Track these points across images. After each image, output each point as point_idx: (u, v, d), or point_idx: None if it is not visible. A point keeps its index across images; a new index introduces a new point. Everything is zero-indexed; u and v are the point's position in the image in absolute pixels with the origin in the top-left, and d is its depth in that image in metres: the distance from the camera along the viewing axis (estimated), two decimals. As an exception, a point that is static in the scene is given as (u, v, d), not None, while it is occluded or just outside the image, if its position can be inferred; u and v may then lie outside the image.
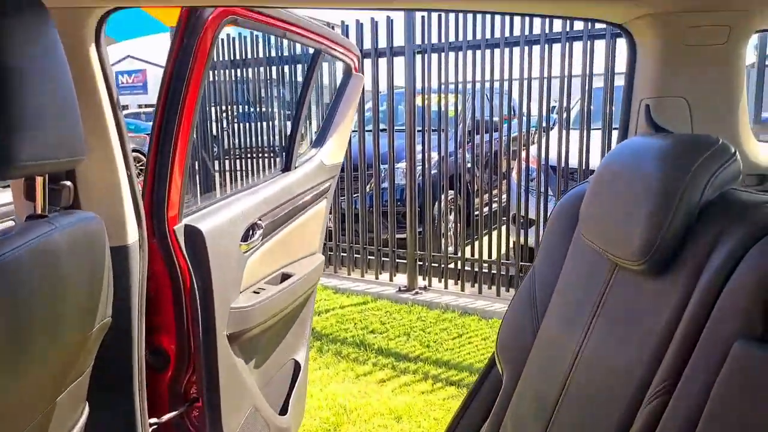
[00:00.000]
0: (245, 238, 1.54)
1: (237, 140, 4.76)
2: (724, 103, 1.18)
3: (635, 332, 0.85)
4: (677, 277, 0.81)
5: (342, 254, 4.61)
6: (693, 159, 0.82)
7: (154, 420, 1.30)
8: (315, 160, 2.02)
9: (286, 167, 1.91)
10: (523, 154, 3.95)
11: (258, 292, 1.58)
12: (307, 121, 4.19)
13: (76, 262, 0.85)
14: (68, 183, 1.06)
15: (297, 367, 1.94)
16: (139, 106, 17.51)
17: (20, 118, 0.70)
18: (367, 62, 4.22)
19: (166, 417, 1.34)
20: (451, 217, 4.48)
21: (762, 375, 0.65)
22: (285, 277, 1.74)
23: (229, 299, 1.45)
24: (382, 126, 4.33)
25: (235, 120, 4.77)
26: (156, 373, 1.36)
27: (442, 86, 4.07)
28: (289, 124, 4.49)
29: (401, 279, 4.33)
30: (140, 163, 6.26)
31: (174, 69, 1.26)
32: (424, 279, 4.23)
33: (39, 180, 0.91)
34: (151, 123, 1.35)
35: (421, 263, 4.25)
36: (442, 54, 3.99)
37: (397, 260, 4.35)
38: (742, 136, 1.20)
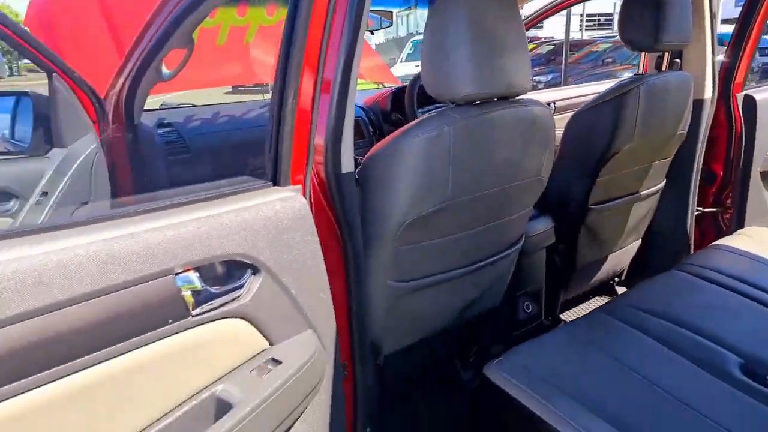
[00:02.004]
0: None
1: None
2: None
3: None
4: None
5: None
6: None
7: (699, 208, 2.11)
8: None
9: None
10: None
11: None
12: None
13: (681, 95, 1.70)
14: (677, 60, 1.94)
15: None
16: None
17: (680, 21, 1.58)
18: None
19: (708, 210, 2.14)
20: None
21: None
22: None
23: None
24: None
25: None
26: (708, 187, 2.13)
27: None
28: None
29: None
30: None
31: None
32: None
33: (666, 54, 1.83)
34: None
35: None
36: None
37: None
38: None
